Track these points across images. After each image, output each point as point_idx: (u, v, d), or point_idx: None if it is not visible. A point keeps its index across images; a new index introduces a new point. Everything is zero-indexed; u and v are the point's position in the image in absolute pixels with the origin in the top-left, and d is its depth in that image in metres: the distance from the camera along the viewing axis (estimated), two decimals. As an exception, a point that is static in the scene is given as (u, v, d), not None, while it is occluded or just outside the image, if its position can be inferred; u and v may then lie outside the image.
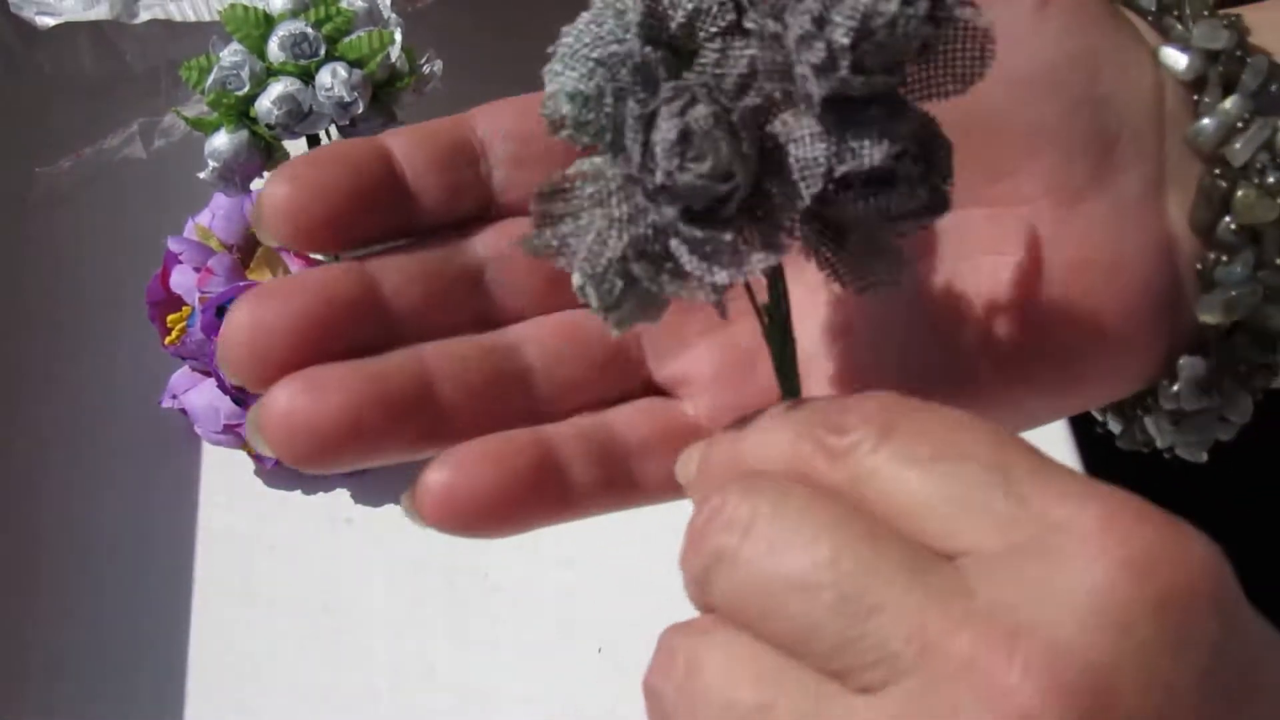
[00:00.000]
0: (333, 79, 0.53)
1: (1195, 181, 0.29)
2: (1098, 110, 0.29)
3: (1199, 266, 0.29)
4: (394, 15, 0.56)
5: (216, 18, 0.59)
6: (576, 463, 0.28)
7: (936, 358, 0.29)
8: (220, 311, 0.52)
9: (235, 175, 0.54)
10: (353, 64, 0.54)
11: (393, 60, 0.55)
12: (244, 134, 0.53)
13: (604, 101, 0.24)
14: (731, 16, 0.25)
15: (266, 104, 0.53)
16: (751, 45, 0.25)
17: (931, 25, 0.24)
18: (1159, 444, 0.32)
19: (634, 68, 0.24)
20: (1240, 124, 0.29)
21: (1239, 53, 0.29)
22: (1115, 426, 0.33)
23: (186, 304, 0.55)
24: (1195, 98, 0.29)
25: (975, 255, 0.29)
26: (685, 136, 0.23)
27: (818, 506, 0.22)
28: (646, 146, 0.23)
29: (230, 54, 0.53)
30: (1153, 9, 0.30)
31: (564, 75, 0.25)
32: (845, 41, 0.23)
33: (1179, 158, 0.29)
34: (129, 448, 0.57)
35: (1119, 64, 0.29)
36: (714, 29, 0.25)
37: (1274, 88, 0.29)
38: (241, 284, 0.54)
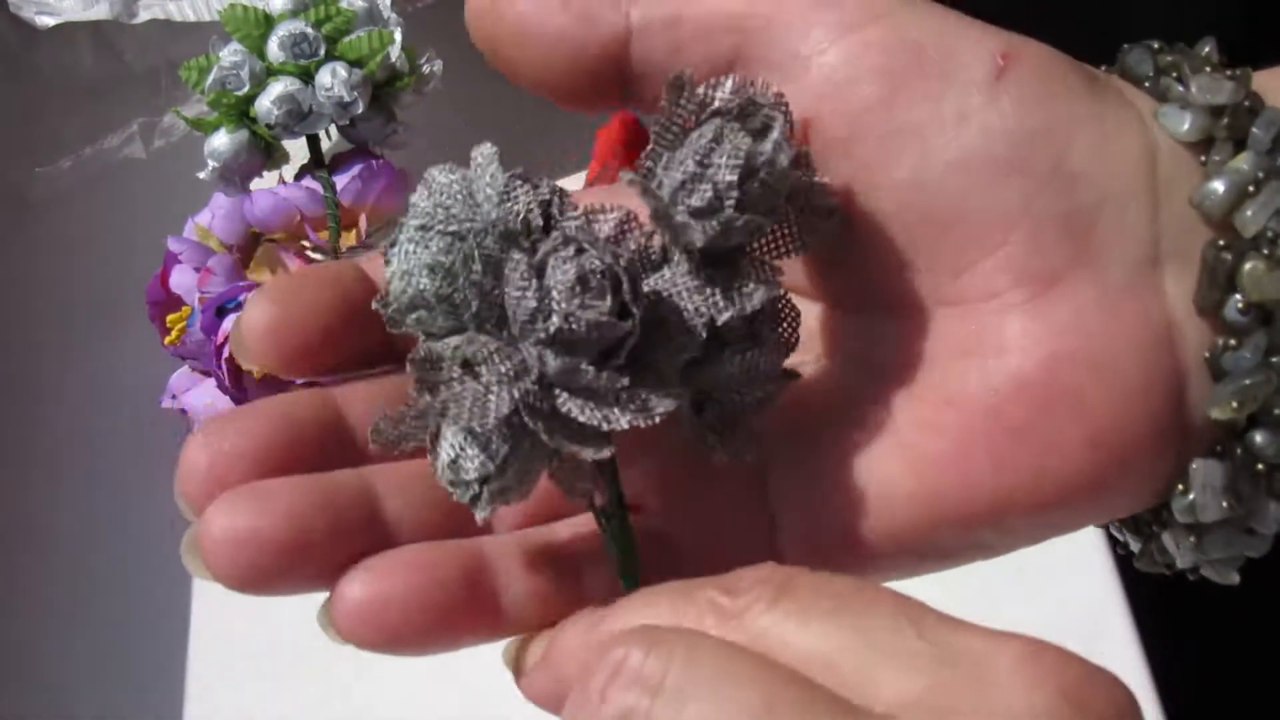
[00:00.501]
0: (332, 79, 0.53)
1: (1197, 256, 0.26)
2: (1070, 186, 0.25)
3: (1206, 354, 0.25)
4: (394, 15, 0.56)
5: (216, 18, 0.59)
6: (512, 572, 0.26)
7: (900, 474, 0.26)
8: (220, 311, 0.52)
9: (235, 175, 0.54)
10: (353, 64, 0.54)
11: (393, 60, 0.55)
12: (244, 134, 0.53)
13: (471, 269, 0.24)
14: (538, 221, 0.24)
15: (266, 104, 0.53)
16: (611, 212, 0.25)
17: (799, 173, 0.24)
18: (1179, 564, 0.27)
19: (502, 234, 0.24)
20: (1252, 187, 0.25)
21: (1247, 104, 0.26)
22: (1133, 544, 0.29)
23: (186, 304, 0.55)
24: (1202, 159, 0.26)
25: (943, 360, 0.26)
26: (583, 278, 0.22)
27: (735, 654, 0.20)
28: (540, 293, 0.23)
29: (230, 54, 0.53)
30: (1149, 74, 0.27)
31: (418, 252, 0.24)
32: (731, 178, 0.23)
33: (1177, 230, 0.26)
34: (129, 448, 0.57)
35: (1096, 133, 0.26)
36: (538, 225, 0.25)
37: None
38: (241, 284, 0.54)
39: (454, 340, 0.24)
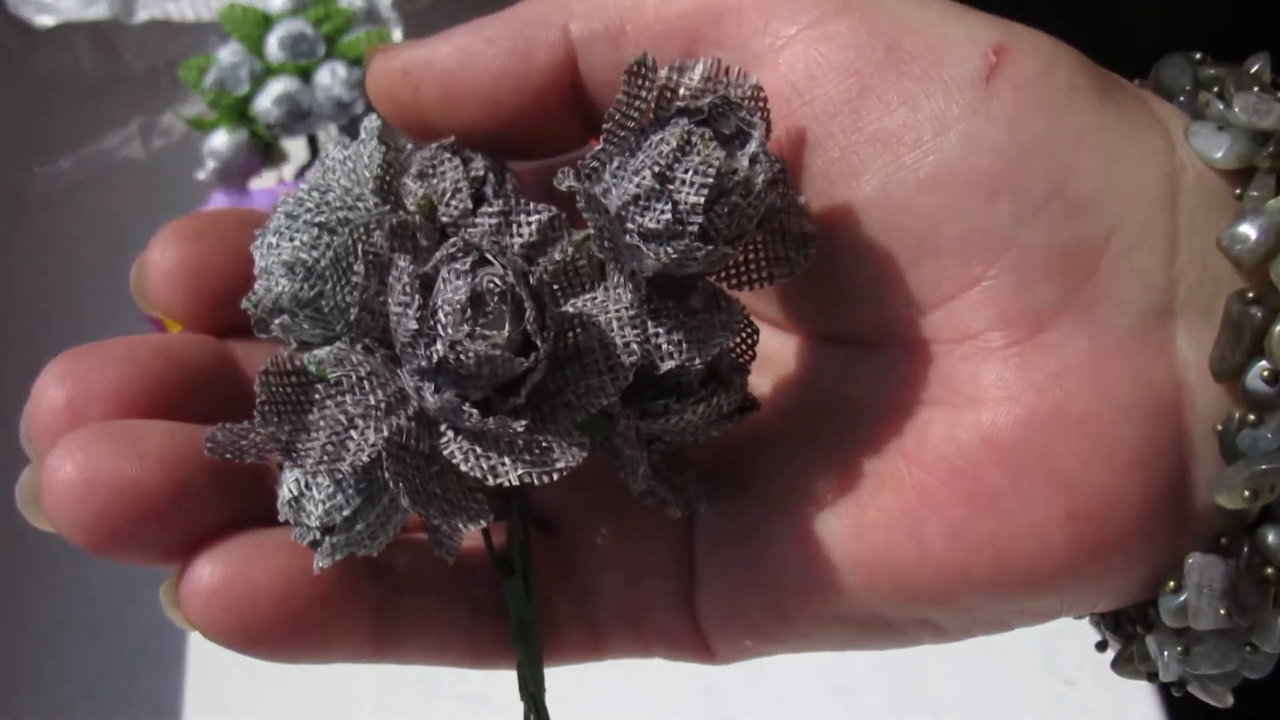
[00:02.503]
0: (332, 78, 0.53)
1: (1219, 309, 0.21)
2: (1070, 213, 0.21)
3: (1218, 428, 0.21)
4: (393, 14, 0.56)
5: (215, 17, 0.59)
6: (407, 582, 0.23)
7: (843, 532, 0.23)
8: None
9: (234, 174, 0.54)
10: (352, 63, 0.54)
11: (391, 60, 0.55)
12: (243, 133, 0.53)
13: (346, 270, 0.19)
14: (465, 204, 0.21)
15: (265, 103, 0.53)
16: (534, 213, 0.21)
17: (776, 194, 0.20)
18: (1163, 675, 0.23)
19: (392, 228, 0.19)
20: None
21: None
22: (1112, 644, 0.25)
23: (185, 304, 0.55)
24: (1237, 192, 0.22)
25: (906, 405, 0.22)
26: (477, 299, 0.18)
27: None
28: (424, 312, 0.18)
29: (229, 53, 0.53)
30: (1186, 86, 0.23)
31: (279, 246, 0.20)
32: (698, 199, 0.19)
33: (1197, 277, 0.21)
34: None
35: (1107, 150, 0.21)
36: (454, 212, 0.21)
37: None
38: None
39: (320, 353, 0.20)
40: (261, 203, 0.54)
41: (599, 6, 0.23)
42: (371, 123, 0.21)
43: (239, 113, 0.54)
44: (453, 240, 0.19)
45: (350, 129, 0.56)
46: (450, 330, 0.18)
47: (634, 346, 0.20)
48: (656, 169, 0.19)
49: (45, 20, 0.60)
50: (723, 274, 0.22)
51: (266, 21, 0.54)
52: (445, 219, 0.21)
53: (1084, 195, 0.21)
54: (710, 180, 0.19)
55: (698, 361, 0.20)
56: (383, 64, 0.23)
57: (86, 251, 0.63)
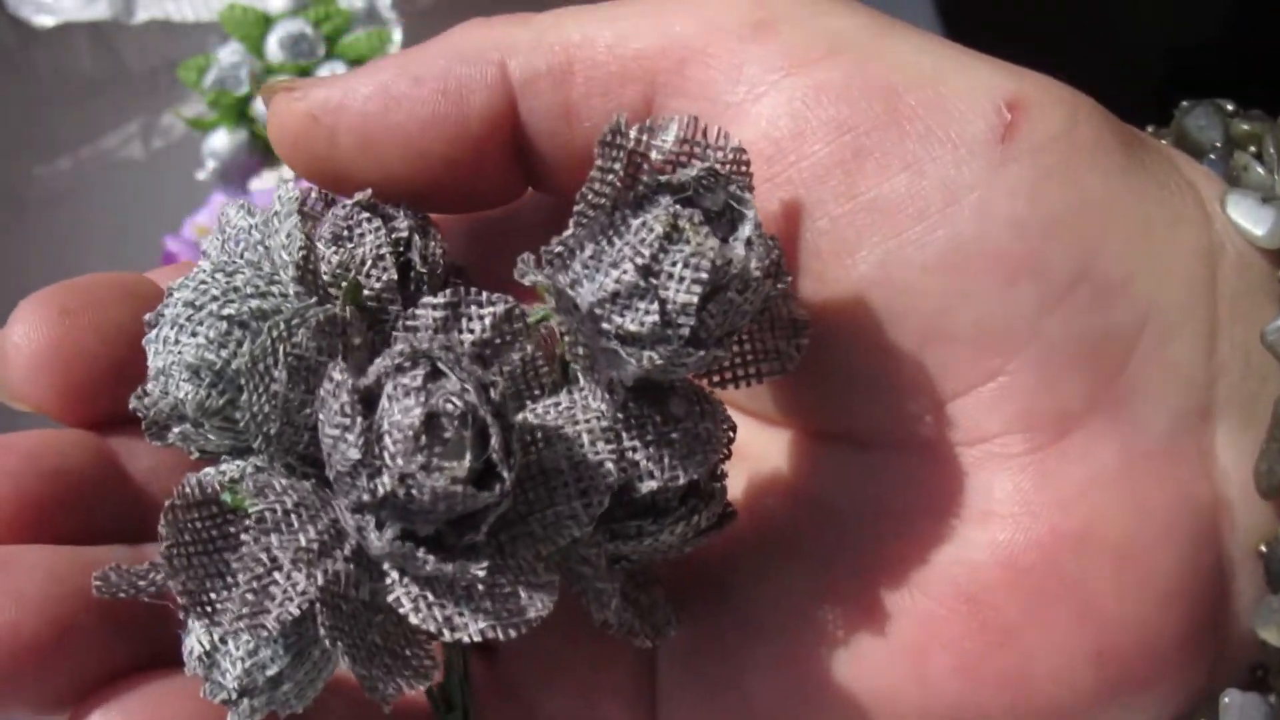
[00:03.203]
0: (332, 78, 0.53)
1: (1264, 410, 0.19)
2: (1099, 299, 0.18)
3: (1262, 549, 0.19)
4: (393, 14, 0.56)
5: (215, 17, 0.59)
6: None
7: (830, 668, 0.20)
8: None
9: (234, 175, 0.54)
10: (352, 63, 0.54)
11: (392, 60, 0.55)
12: (243, 133, 0.53)
13: (259, 374, 0.16)
14: (390, 275, 0.18)
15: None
16: (487, 305, 0.17)
17: (772, 282, 0.17)
18: None
19: (319, 325, 0.16)
20: None
21: None
22: None
23: (185, 304, 0.55)
24: None
25: (909, 519, 0.19)
26: (432, 423, 0.15)
27: None
28: (368, 436, 0.15)
29: (229, 53, 0.53)
30: (1217, 142, 0.20)
31: (180, 342, 0.17)
32: (690, 299, 0.16)
33: (1240, 372, 0.19)
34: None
35: (1138, 225, 0.18)
36: (376, 285, 0.18)
37: None
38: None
39: (233, 470, 0.17)
40: (262, 204, 0.54)
41: (541, 42, 0.20)
42: (287, 192, 0.18)
43: (239, 113, 0.54)
44: (399, 349, 0.16)
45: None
46: (400, 461, 0.15)
47: (609, 466, 0.17)
48: (640, 261, 0.16)
49: (45, 20, 0.60)
50: (704, 371, 0.18)
51: (266, 21, 0.54)
52: (366, 292, 0.18)
53: (1114, 278, 0.18)
54: (704, 276, 0.16)
55: (681, 480, 0.17)
56: (285, 105, 0.20)
57: (86, 251, 0.63)
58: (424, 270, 0.19)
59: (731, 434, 0.19)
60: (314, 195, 0.20)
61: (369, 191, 0.19)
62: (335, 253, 0.18)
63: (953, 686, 0.19)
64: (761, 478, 0.21)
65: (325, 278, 0.18)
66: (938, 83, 0.19)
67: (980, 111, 0.18)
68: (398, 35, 0.55)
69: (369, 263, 0.18)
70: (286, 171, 0.57)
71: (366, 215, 0.18)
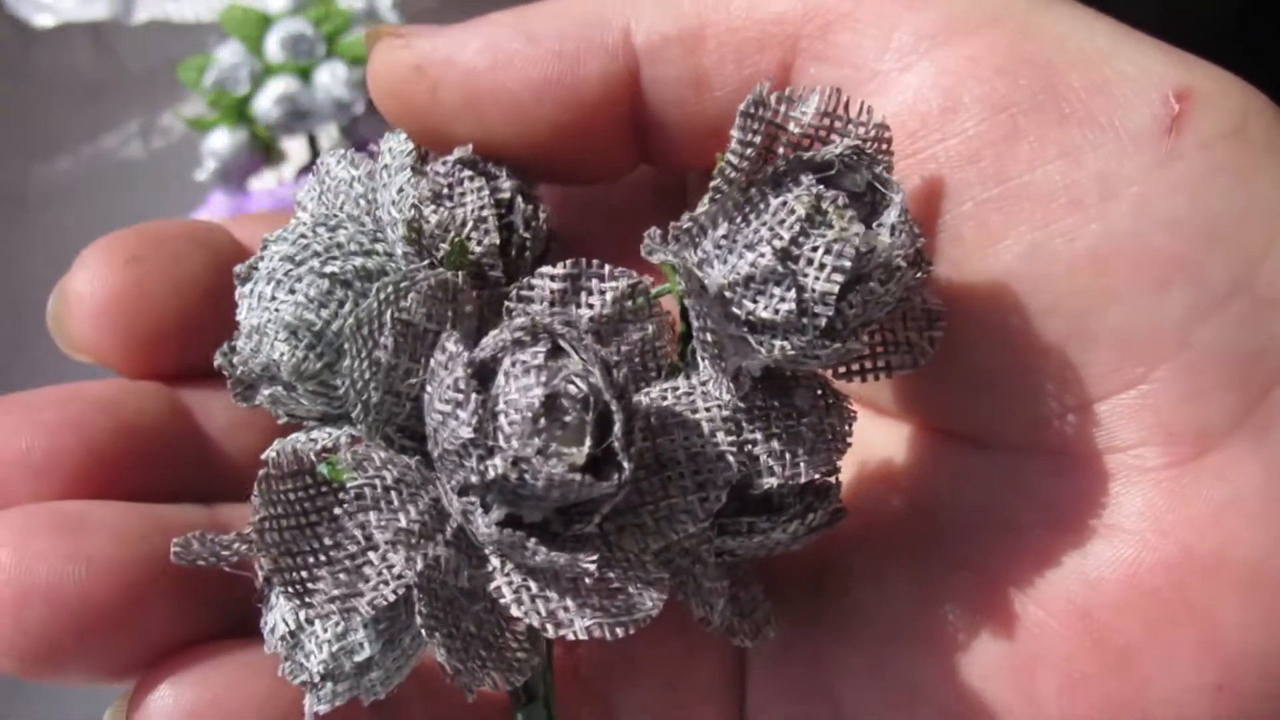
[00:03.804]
0: (331, 78, 0.53)
1: None
2: (1259, 312, 0.17)
3: None
4: (394, 14, 0.56)
5: (215, 17, 0.59)
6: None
7: (933, 678, 0.18)
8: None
9: (233, 174, 0.54)
10: (352, 63, 0.54)
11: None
12: (242, 133, 0.53)
13: (364, 338, 0.14)
14: (492, 239, 0.17)
15: (265, 103, 0.53)
16: (610, 279, 0.16)
17: (914, 271, 0.16)
18: None
19: (431, 290, 0.14)
20: None
21: None
22: None
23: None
24: None
25: (1028, 525, 0.18)
26: (552, 404, 0.14)
27: None
28: (483, 416, 0.14)
29: (229, 53, 0.53)
30: None
31: (277, 300, 0.15)
32: (831, 288, 0.15)
33: None
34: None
35: None
36: (478, 248, 0.17)
37: None
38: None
39: (324, 435, 0.15)
40: (262, 203, 0.54)
41: (671, 4, 0.18)
42: (400, 144, 0.16)
43: (239, 113, 0.54)
44: (519, 321, 0.14)
45: (350, 130, 0.56)
46: (515, 443, 0.14)
47: (729, 459, 0.15)
48: (778, 244, 0.15)
49: (45, 20, 0.60)
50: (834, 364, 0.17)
51: (266, 21, 0.54)
52: (468, 255, 0.17)
53: (1276, 291, 0.17)
54: (847, 264, 0.15)
55: (803, 479, 0.16)
56: (389, 54, 0.18)
57: (86, 251, 0.63)
58: (527, 235, 0.17)
59: (848, 417, 0.17)
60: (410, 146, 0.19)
61: (470, 147, 0.18)
62: (434, 212, 0.17)
63: (1059, 706, 0.17)
64: (870, 471, 0.20)
65: (427, 237, 0.17)
66: (1102, 64, 0.17)
67: (1146, 100, 0.17)
68: (397, 35, 0.55)
69: (470, 224, 0.17)
70: (286, 171, 0.57)
71: (469, 173, 0.17)
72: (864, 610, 0.19)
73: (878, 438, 0.20)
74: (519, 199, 0.17)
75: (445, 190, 0.17)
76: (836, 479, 0.18)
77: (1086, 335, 0.17)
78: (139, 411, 0.18)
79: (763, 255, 0.15)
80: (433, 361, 0.14)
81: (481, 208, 0.17)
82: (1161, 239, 0.17)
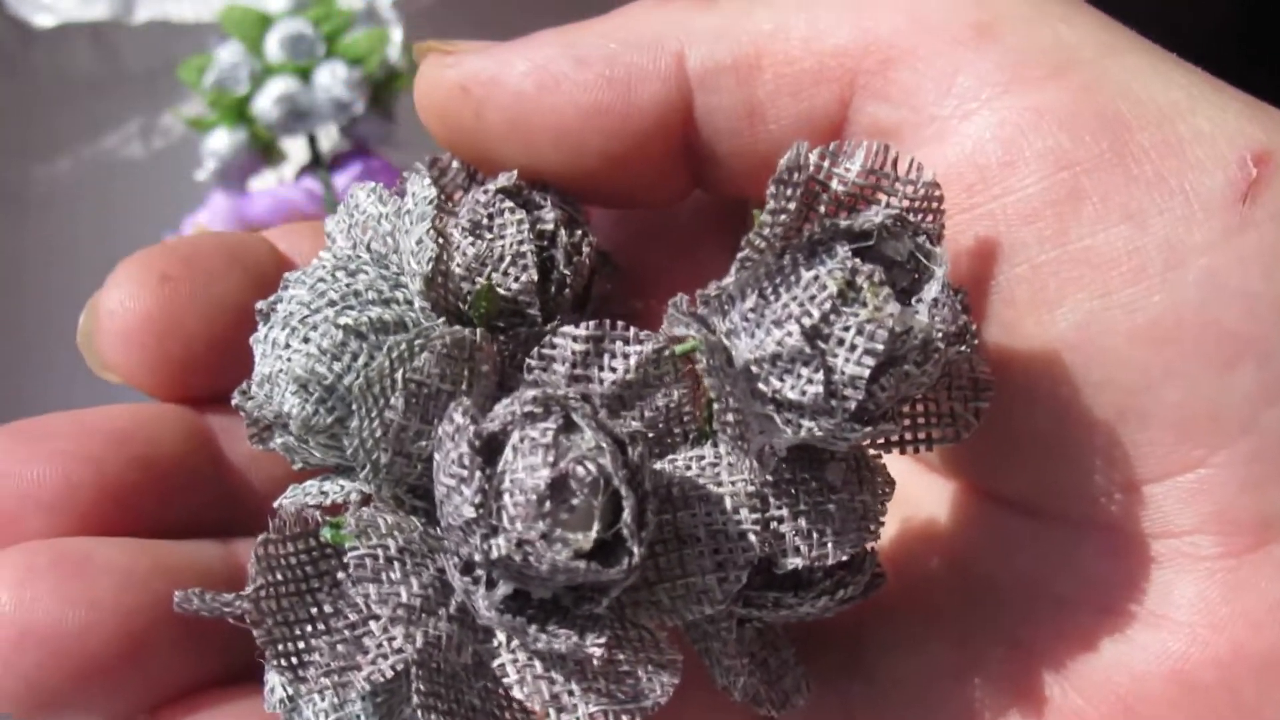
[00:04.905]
0: (331, 78, 0.53)
1: None
2: None
3: None
4: (394, 14, 0.56)
5: (215, 17, 0.59)
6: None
7: None
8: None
9: (233, 174, 0.54)
10: (352, 63, 0.54)
11: (392, 59, 0.55)
12: (242, 133, 0.53)
13: (374, 398, 0.14)
14: (529, 275, 0.16)
15: (265, 103, 0.53)
16: (634, 343, 0.15)
17: (959, 343, 0.15)
18: None
19: (446, 350, 0.14)
20: None
21: None
22: None
23: (185, 304, 0.55)
24: None
25: (1073, 608, 0.17)
26: (559, 486, 0.13)
27: None
28: (487, 494, 0.13)
29: (229, 53, 0.53)
30: None
31: (290, 349, 0.15)
32: (858, 372, 0.14)
33: None
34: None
35: None
36: (513, 284, 0.16)
37: None
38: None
39: (336, 489, 0.15)
40: (262, 203, 0.54)
41: (727, 30, 0.17)
42: (423, 189, 0.15)
43: (239, 113, 0.54)
44: (531, 394, 0.13)
45: (350, 130, 0.56)
46: (519, 526, 0.13)
47: (752, 539, 0.14)
48: (808, 322, 0.14)
49: (45, 20, 0.60)
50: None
51: (266, 21, 0.53)
52: (502, 292, 0.16)
53: None
54: (879, 347, 0.14)
55: (830, 561, 0.15)
56: (436, 71, 0.18)
57: (86, 251, 0.63)
58: (567, 272, 0.17)
59: (887, 485, 0.16)
60: (455, 165, 0.18)
61: (514, 174, 0.17)
62: (472, 244, 0.16)
63: None
64: (914, 529, 0.19)
65: (459, 270, 0.16)
66: (1177, 121, 0.16)
67: (1221, 162, 0.16)
68: (398, 35, 0.55)
69: (507, 259, 0.16)
70: (286, 171, 0.57)
71: (509, 205, 0.16)
72: (901, 676, 0.18)
73: (923, 494, 0.19)
74: (562, 231, 0.16)
75: (485, 220, 0.17)
76: (873, 551, 0.17)
77: (1144, 412, 0.16)
78: (157, 442, 0.17)
79: (790, 334, 0.14)
80: (440, 431, 0.14)
81: (520, 242, 0.16)
82: (1230, 314, 0.15)
